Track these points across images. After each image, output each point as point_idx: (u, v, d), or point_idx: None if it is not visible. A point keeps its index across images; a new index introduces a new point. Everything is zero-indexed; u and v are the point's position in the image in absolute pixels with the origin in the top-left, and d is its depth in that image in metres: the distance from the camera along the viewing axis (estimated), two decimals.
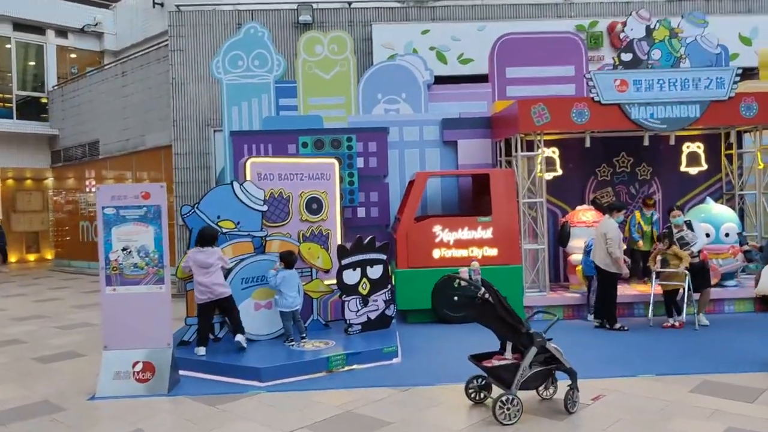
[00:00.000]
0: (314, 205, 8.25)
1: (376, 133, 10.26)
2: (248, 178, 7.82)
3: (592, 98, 8.95)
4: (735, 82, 8.96)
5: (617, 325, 8.24)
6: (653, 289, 8.42)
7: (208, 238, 6.88)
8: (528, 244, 9.37)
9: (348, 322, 7.60)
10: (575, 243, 9.28)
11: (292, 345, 7.08)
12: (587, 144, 9.26)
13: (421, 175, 9.22)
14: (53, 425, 5.37)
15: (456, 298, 8.69)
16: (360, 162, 10.10)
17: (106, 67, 18.86)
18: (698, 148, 10.44)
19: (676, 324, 8.22)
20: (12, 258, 20.68)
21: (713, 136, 10.37)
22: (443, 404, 5.55)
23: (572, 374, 5.24)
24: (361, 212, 10.25)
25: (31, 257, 22.48)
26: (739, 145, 10.33)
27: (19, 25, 20.02)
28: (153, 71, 15.78)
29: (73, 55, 21.50)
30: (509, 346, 5.30)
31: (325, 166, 8.49)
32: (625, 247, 9.19)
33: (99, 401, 5.93)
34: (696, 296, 8.44)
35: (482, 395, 5.47)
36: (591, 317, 8.69)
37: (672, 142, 9.43)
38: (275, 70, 11.08)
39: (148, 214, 6.21)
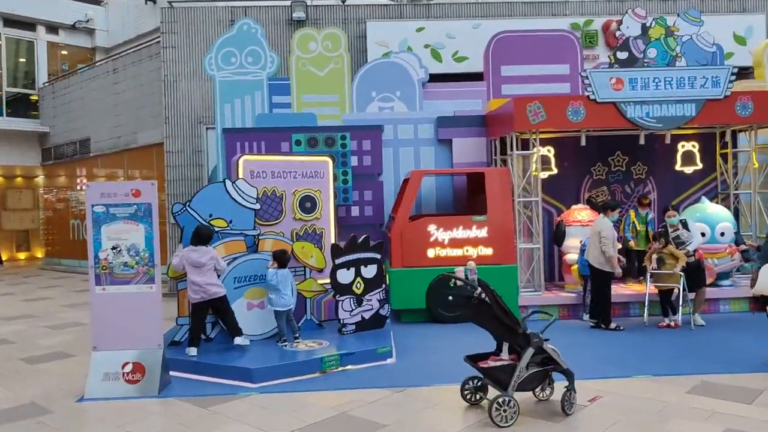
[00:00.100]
0: (308, 204, 8.16)
1: (370, 131, 10.19)
2: (241, 175, 7.72)
3: (588, 96, 8.90)
4: (731, 81, 8.93)
5: (613, 325, 8.20)
6: (648, 288, 8.37)
7: (202, 237, 6.78)
8: (523, 244, 9.31)
9: (342, 321, 7.52)
10: (570, 242, 9.23)
11: (285, 345, 6.99)
12: (583, 143, 9.22)
13: (416, 173, 9.14)
14: (39, 428, 5.26)
15: (450, 297, 8.61)
16: (354, 160, 10.01)
17: (97, 64, 18.70)
18: (693, 147, 10.41)
19: (672, 324, 8.19)
20: (3, 256, 20.47)
21: (708, 135, 10.35)
22: (439, 406, 5.48)
23: (569, 375, 5.17)
24: (355, 211, 10.16)
25: (22, 256, 22.28)
26: (734, 145, 10.31)
27: (9, 21, 19.82)
28: (145, 68, 15.64)
29: (64, 52, 21.31)
30: (506, 346, 5.22)
31: (318, 164, 8.40)
32: (620, 246, 9.16)
33: (87, 403, 5.81)
34: (691, 296, 8.41)
35: (478, 396, 5.40)
36: (587, 317, 8.64)
37: (668, 141, 9.39)
38: (268, 67, 10.96)
39: (139, 212, 6.10)
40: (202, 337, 7.02)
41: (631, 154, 10.36)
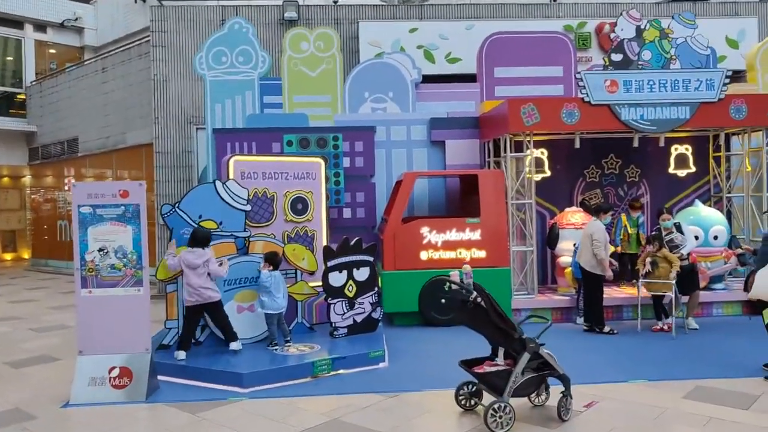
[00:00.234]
0: (299, 206, 8.05)
1: (362, 132, 10.08)
2: (231, 176, 7.60)
3: (582, 99, 8.84)
4: (725, 84, 8.91)
5: (606, 329, 8.15)
6: (639, 292, 8.31)
7: (198, 238, 6.67)
8: (516, 246, 9.24)
9: (333, 325, 7.42)
10: (564, 245, 9.17)
11: (276, 349, 6.87)
12: (577, 145, 9.17)
13: (410, 175, 9.05)
14: None
15: (443, 300, 8.53)
16: (346, 161, 9.91)
17: (86, 63, 18.46)
18: (686, 150, 10.40)
19: (665, 327, 8.14)
20: None
21: (701, 139, 10.33)
22: (433, 411, 5.38)
23: (565, 380, 5.10)
24: (347, 213, 10.05)
25: (8, 256, 21.98)
26: (727, 148, 10.30)
27: None
28: (134, 67, 15.46)
29: (52, 51, 21.06)
30: (501, 351, 5.14)
31: (310, 166, 8.30)
32: (614, 249, 9.12)
33: (73, 409, 5.67)
34: (685, 299, 8.37)
35: (473, 402, 5.31)
36: (580, 320, 8.58)
37: (662, 143, 9.36)
38: (260, 67, 10.84)
39: (127, 214, 5.97)
40: (191, 341, 6.88)
41: (624, 156, 10.32)
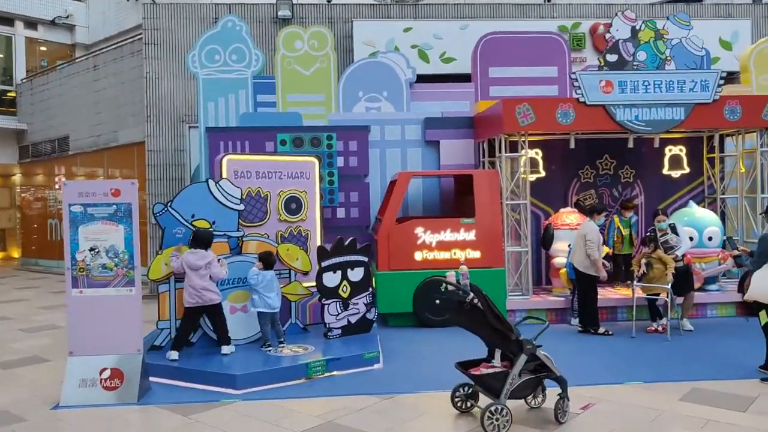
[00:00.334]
0: (293, 205, 7.98)
1: (356, 131, 10.03)
2: (224, 175, 7.51)
3: (578, 99, 8.82)
4: (719, 85, 8.90)
5: (601, 330, 8.13)
6: (634, 293, 8.28)
7: (199, 240, 6.62)
8: (511, 247, 9.21)
9: (327, 326, 7.36)
10: (558, 246, 9.14)
11: (269, 350, 6.80)
12: (572, 145, 9.13)
13: (404, 175, 9.00)
14: None
15: (438, 301, 8.47)
16: (340, 161, 9.85)
17: (77, 61, 18.31)
18: (680, 151, 10.39)
19: (660, 328, 8.12)
20: None
21: (695, 140, 10.33)
22: (428, 414, 5.33)
23: (562, 382, 5.06)
24: (340, 212, 10.00)
25: None
26: (721, 149, 10.30)
27: None
28: (126, 65, 15.33)
29: (43, 48, 20.89)
30: (498, 353, 5.09)
31: (304, 165, 8.23)
32: (607, 251, 9.11)
33: (63, 411, 5.58)
34: (679, 300, 8.36)
35: (469, 404, 5.27)
36: (575, 321, 8.55)
37: (656, 144, 9.35)
38: (253, 65, 10.74)
39: (118, 213, 5.89)
40: (186, 342, 6.80)
41: (618, 157, 10.31)
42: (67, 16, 20.46)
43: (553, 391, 5.14)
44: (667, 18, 9.12)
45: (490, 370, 5.01)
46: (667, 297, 7.93)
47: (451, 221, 8.85)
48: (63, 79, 17.69)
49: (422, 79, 11.31)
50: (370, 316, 7.68)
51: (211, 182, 7.23)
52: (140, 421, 5.40)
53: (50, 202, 18.72)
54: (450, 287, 5.17)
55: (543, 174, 10.22)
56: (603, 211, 8.55)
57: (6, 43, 19.92)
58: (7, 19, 19.73)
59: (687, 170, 10.40)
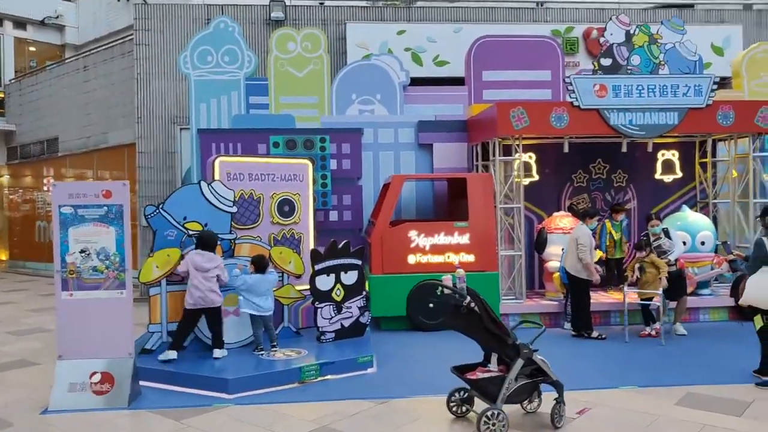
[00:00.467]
0: (286, 208, 7.92)
1: (350, 134, 9.99)
2: (217, 177, 7.44)
3: (572, 103, 8.82)
4: (713, 90, 8.94)
5: (594, 334, 8.11)
6: (626, 298, 8.26)
7: (205, 242, 6.60)
8: (504, 251, 9.18)
9: (321, 329, 7.29)
10: (552, 250, 9.13)
11: (262, 354, 6.72)
12: (566, 149, 9.13)
13: (398, 178, 8.96)
14: None
15: (431, 305, 8.43)
16: (333, 164, 9.80)
17: (67, 61, 18.15)
18: (673, 155, 10.43)
19: (653, 333, 8.11)
20: None
21: (688, 144, 10.37)
22: (423, 419, 5.27)
23: (558, 387, 5.03)
24: (333, 215, 9.94)
25: None
26: (713, 154, 10.34)
27: None
28: (117, 66, 15.20)
29: (32, 48, 20.71)
30: (494, 357, 5.05)
31: (298, 167, 8.17)
32: (600, 255, 9.10)
33: (52, 415, 5.48)
34: (672, 305, 8.37)
35: (464, 409, 5.22)
36: (568, 325, 8.53)
37: (650, 149, 9.37)
38: (246, 67, 10.67)
39: (109, 214, 5.81)
40: (184, 343, 6.72)
41: (611, 161, 10.33)
42: (57, 17, 20.30)
43: (548, 396, 5.11)
44: (661, 22, 9.14)
45: (487, 375, 4.97)
46: (658, 298, 7.92)
47: (445, 224, 8.81)
48: (52, 79, 17.53)
49: (416, 82, 11.28)
50: (363, 319, 7.62)
51: (203, 184, 7.15)
52: (131, 426, 5.31)
53: (39, 204, 18.53)
54: (446, 291, 5.13)
55: (536, 178, 10.22)
56: (596, 215, 8.57)
57: None
58: None
59: (679, 175, 10.43)
